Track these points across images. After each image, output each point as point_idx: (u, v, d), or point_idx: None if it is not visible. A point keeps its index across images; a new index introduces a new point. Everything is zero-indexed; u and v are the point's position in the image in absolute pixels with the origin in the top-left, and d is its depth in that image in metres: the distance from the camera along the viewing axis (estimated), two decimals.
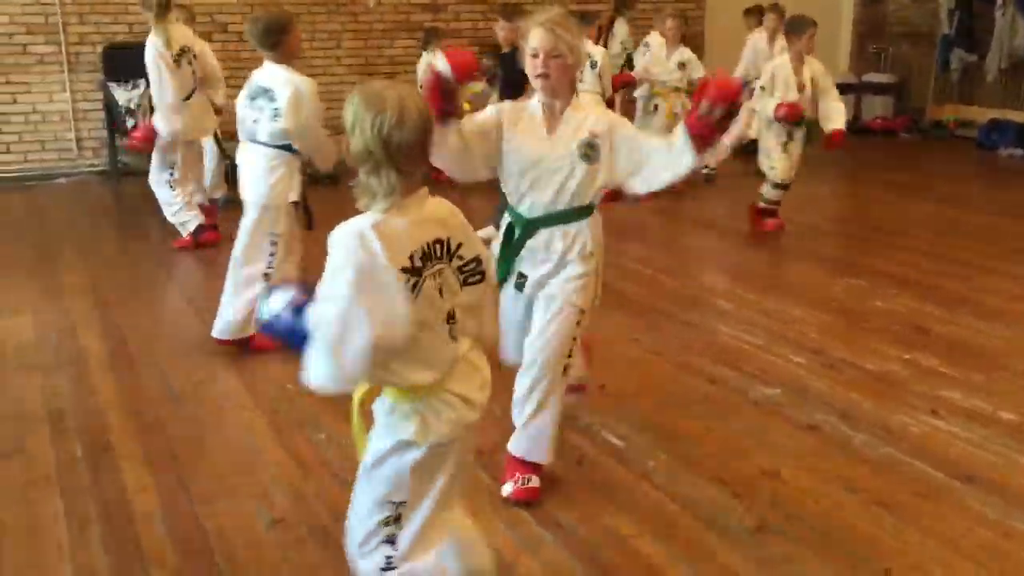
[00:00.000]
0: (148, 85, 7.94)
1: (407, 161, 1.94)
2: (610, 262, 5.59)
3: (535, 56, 2.77)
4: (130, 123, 8.21)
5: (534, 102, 2.90)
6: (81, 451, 3.42)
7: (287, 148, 4.14)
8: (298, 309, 1.96)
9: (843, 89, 11.66)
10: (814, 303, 5.09)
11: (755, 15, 9.35)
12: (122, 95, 8.23)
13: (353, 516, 2.17)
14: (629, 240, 6.43)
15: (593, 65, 7.00)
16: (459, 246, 2.05)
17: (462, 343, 2.08)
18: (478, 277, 2.09)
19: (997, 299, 5.14)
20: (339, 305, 1.86)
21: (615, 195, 3.46)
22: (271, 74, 4.11)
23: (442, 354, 2.03)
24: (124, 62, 8.22)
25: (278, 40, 4.08)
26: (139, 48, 6.23)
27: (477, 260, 2.09)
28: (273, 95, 4.05)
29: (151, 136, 6.03)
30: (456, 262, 2.05)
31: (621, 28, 8.99)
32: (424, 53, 8.79)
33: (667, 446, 3.46)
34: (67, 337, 4.57)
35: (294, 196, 4.21)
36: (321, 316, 1.89)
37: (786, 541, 2.84)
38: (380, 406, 2.08)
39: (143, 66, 6.25)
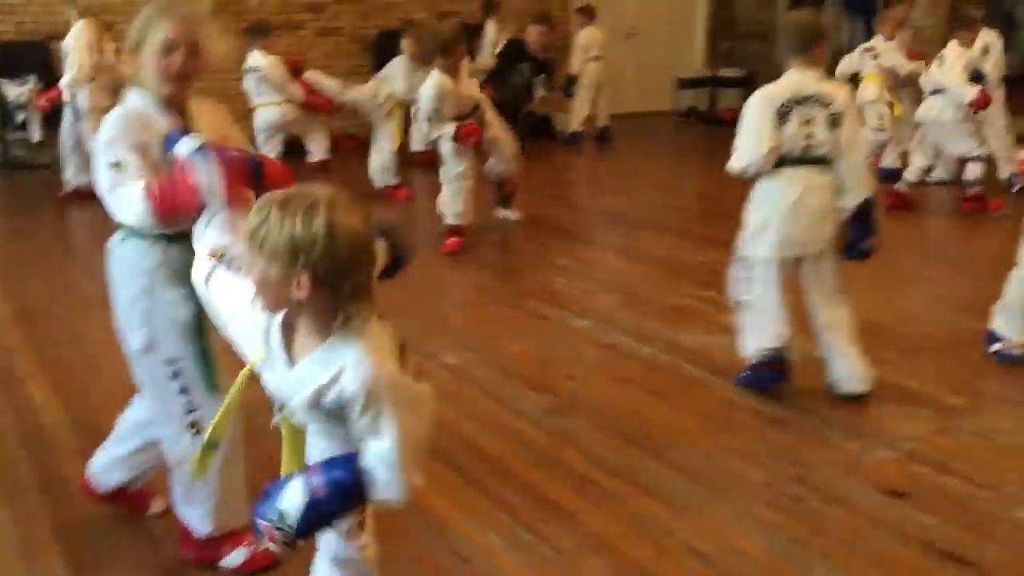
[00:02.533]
0: (38, 80, 8.47)
1: None
2: (476, 232, 6.40)
3: (169, 52, 2.37)
4: (20, 117, 8.61)
5: (143, 110, 2.45)
6: None
7: None
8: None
9: (699, 83, 12.97)
10: (639, 259, 5.97)
11: (586, 14, 10.37)
12: (12, 91, 8.61)
13: None
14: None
15: None
16: None
17: None
18: None
19: None
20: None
21: None
22: None
23: None
24: (13, 59, 8.63)
25: None
26: (27, 45, 6.72)
27: None
28: None
29: None
30: None
31: (491, 30, 9.79)
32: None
33: (493, 362, 4.25)
34: None
35: None
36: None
37: (570, 417, 3.66)
38: None
39: (32, 63, 6.72)
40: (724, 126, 12.06)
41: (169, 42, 2.36)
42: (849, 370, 3.72)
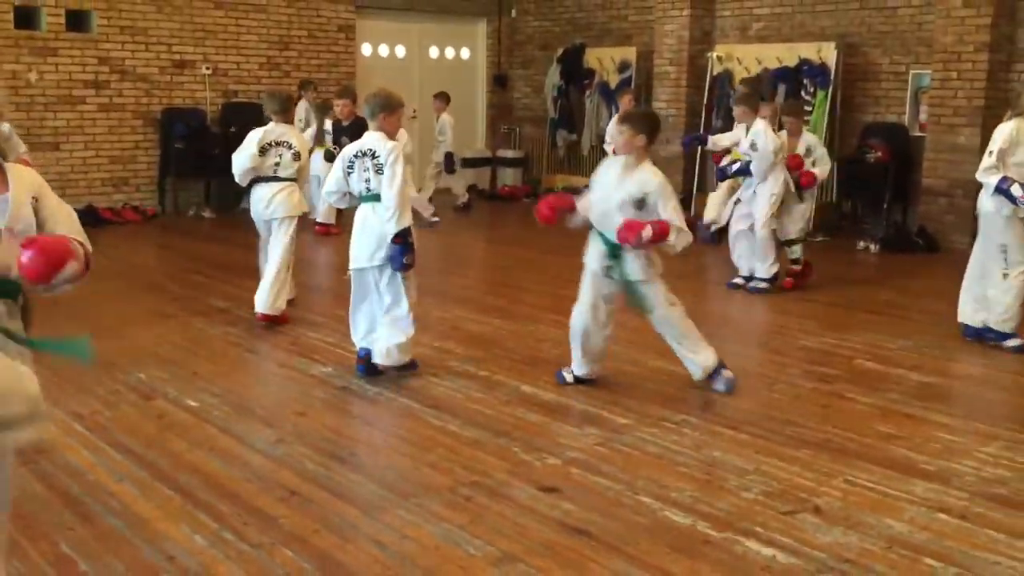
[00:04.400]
0: None
1: None
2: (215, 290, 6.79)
3: None
4: None
5: None
6: None
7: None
8: None
9: (481, 162, 13.92)
10: None
11: (442, 99, 11.34)
12: None
13: None
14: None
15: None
16: None
17: None
18: None
19: (525, 307, 6.87)
20: None
21: None
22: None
23: None
24: None
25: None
26: None
27: None
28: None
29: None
30: None
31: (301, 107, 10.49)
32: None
33: (233, 403, 4.69)
34: None
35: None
36: None
37: (292, 444, 4.16)
38: None
39: None
40: (501, 202, 13.12)
41: None
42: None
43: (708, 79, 11.23)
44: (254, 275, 7.98)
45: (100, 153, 10.97)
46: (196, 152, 11.08)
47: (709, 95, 11.19)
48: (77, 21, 10.61)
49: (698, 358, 4.88)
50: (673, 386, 5.04)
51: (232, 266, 8.04)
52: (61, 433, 4.24)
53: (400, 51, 13.51)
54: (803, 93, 10.34)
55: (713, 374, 4.89)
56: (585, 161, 12.95)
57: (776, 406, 4.76)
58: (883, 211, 9.77)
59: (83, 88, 10.73)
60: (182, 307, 6.79)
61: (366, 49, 13.10)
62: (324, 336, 5.98)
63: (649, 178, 4.64)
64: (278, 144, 6.27)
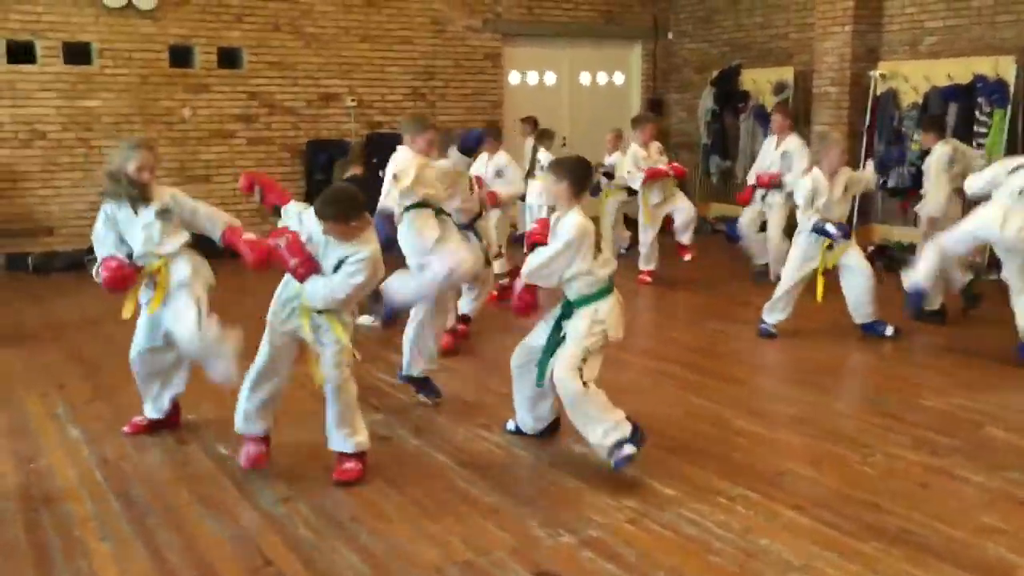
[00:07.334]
0: None
1: None
2: None
3: None
4: None
5: None
6: None
7: None
8: None
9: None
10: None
11: (529, 123, 10.86)
12: None
13: None
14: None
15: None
16: None
17: None
18: None
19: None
20: None
21: None
22: None
23: None
24: None
25: None
26: None
27: None
28: None
29: None
30: None
31: None
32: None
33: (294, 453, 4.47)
34: None
35: None
36: None
37: (298, 504, 3.87)
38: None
39: None
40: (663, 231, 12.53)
41: None
42: None
43: (871, 99, 10.25)
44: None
45: None
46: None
47: (871, 116, 10.21)
48: (228, 58, 11.00)
49: (590, 437, 4.13)
50: (747, 452, 4.40)
51: None
52: (77, 482, 4.15)
53: (550, 78, 13.23)
54: (977, 113, 9.21)
55: (614, 448, 4.08)
56: (739, 189, 12.17)
57: (862, 483, 4.03)
58: None
59: (233, 122, 11.10)
60: None
61: (514, 77, 12.90)
62: (388, 376, 5.68)
63: (565, 228, 4.15)
64: None
